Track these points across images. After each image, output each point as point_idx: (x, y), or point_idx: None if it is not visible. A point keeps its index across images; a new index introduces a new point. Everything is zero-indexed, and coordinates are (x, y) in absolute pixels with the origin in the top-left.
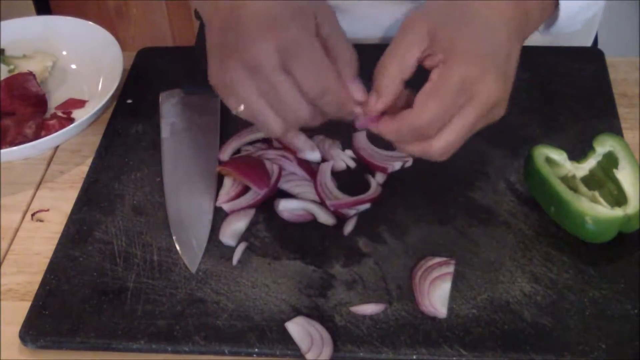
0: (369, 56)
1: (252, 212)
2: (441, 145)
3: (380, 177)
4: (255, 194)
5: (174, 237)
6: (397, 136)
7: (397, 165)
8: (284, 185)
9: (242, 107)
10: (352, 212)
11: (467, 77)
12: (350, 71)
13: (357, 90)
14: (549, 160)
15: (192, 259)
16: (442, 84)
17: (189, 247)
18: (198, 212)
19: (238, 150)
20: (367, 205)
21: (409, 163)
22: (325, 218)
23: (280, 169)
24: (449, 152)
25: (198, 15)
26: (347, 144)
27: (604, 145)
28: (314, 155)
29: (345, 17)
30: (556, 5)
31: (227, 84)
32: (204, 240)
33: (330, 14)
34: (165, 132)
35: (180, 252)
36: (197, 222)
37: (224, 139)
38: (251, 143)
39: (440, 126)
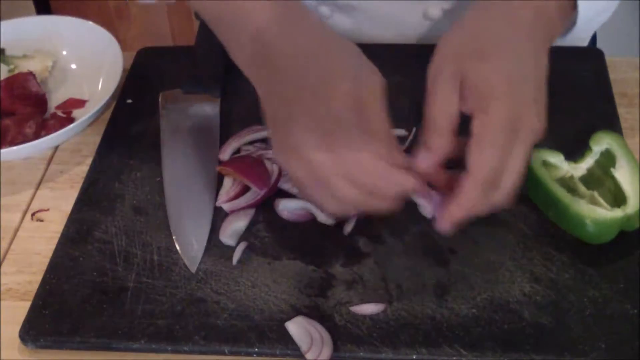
0: (379, 56)
1: (252, 211)
2: (505, 193)
3: None
4: (255, 193)
5: (173, 237)
6: (468, 203)
7: None
8: (284, 185)
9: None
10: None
11: (509, 116)
12: (396, 151)
13: (422, 159)
14: (546, 164)
15: (192, 259)
16: (488, 133)
17: (189, 247)
18: (198, 211)
19: (238, 150)
20: None
21: None
22: (324, 217)
23: (280, 168)
24: (514, 191)
25: (198, 16)
26: None
27: (600, 143)
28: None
29: (358, 15)
30: (573, 7)
31: (289, 164)
32: (203, 240)
33: (377, 90)
34: (164, 132)
35: (180, 252)
36: (197, 221)
37: (224, 139)
38: (251, 143)
39: (502, 171)
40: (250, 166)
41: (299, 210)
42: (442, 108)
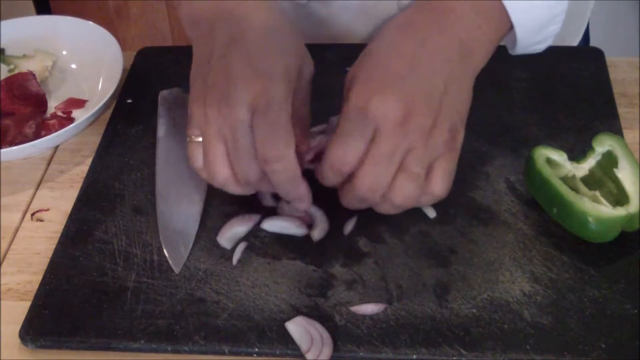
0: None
1: (256, 217)
2: (366, 182)
3: None
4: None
5: (160, 237)
6: (325, 181)
7: None
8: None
9: (199, 138)
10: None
11: (363, 102)
12: (302, 134)
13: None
14: (549, 161)
15: (177, 260)
16: (342, 117)
17: (175, 247)
18: (186, 211)
19: None
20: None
21: None
22: (269, 202)
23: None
24: (402, 194)
25: None
26: None
27: (603, 145)
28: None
29: (333, 4)
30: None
31: (197, 112)
32: (190, 241)
33: (309, 80)
34: (161, 130)
35: (165, 251)
36: (185, 221)
37: None
38: None
39: (354, 162)
40: None
41: (281, 229)
42: (348, 150)
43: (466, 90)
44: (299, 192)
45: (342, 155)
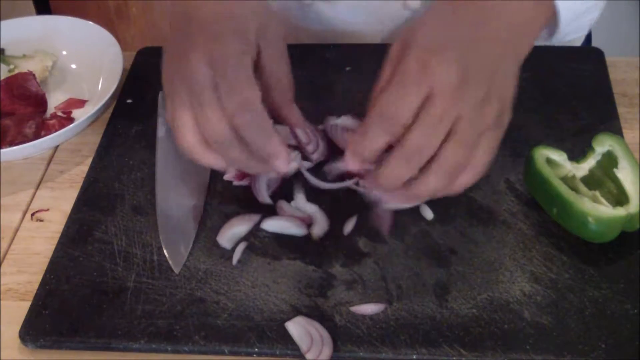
0: (368, 55)
1: (256, 217)
2: (415, 141)
3: None
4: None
5: (160, 237)
6: (371, 147)
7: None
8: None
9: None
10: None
11: (422, 62)
12: (285, 98)
13: (291, 114)
14: (549, 161)
15: (177, 260)
16: (397, 73)
17: (175, 247)
18: (186, 212)
19: None
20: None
21: None
22: (264, 198)
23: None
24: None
25: None
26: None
27: (603, 145)
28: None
29: (339, 4)
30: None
31: (166, 82)
32: (190, 241)
33: (279, 40)
34: (161, 130)
35: (165, 251)
36: (185, 221)
37: None
38: None
39: (405, 119)
40: None
41: (282, 229)
42: (405, 103)
43: (512, 74)
44: (273, 147)
45: (396, 107)
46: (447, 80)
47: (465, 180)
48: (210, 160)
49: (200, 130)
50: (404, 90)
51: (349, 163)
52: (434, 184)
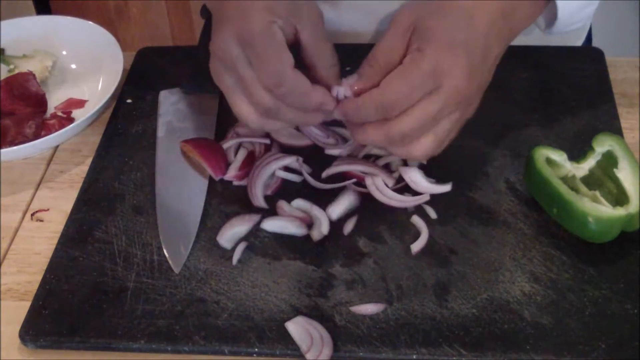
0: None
1: (256, 217)
2: (403, 128)
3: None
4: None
5: (160, 237)
6: (358, 113)
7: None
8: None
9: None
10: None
11: (437, 64)
12: (331, 74)
13: (338, 90)
14: (549, 161)
15: (177, 260)
16: (411, 67)
17: (175, 247)
18: (186, 211)
19: (238, 146)
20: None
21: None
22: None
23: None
24: (423, 148)
25: (203, 14)
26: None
27: (602, 145)
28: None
29: (340, 4)
30: (547, 4)
31: (212, 70)
32: (190, 241)
33: (316, 20)
34: (161, 130)
35: (165, 251)
36: (185, 221)
37: (219, 138)
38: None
39: (404, 108)
40: (211, 150)
41: (282, 229)
42: (384, 47)
43: (497, 60)
44: (317, 100)
45: (399, 101)
46: (455, 83)
47: (425, 145)
48: (271, 126)
49: (253, 105)
50: (410, 88)
51: (335, 114)
52: (405, 125)
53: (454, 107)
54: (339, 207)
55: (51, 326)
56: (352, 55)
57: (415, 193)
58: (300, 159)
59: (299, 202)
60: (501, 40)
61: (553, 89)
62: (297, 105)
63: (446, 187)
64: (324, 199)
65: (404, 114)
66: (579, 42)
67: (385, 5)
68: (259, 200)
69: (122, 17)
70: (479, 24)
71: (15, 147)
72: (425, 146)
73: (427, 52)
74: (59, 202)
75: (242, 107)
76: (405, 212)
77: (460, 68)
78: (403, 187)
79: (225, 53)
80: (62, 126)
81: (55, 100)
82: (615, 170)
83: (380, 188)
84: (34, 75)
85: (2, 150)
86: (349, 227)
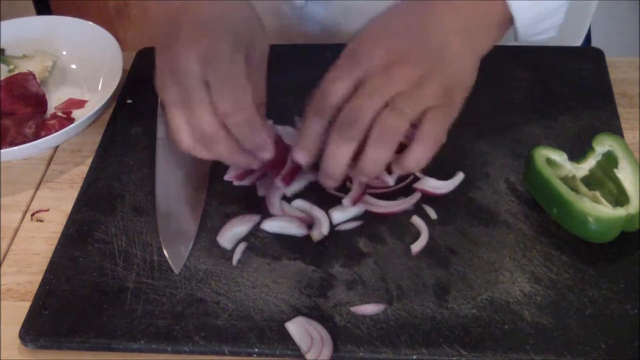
0: None
1: (256, 217)
2: (371, 145)
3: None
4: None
5: (160, 237)
6: (314, 133)
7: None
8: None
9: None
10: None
11: (355, 46)
12: (260, 113)
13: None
14: (549, 161)
15: (177, 260)
16: (369, 80)
17: (175, 247)
18: (186, 211)
19: None
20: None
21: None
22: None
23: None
24: (413, 157)
25: None
26: None
27: (603, 145)
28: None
29: (331, 5)
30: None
31: (158, 81)
32: (190, 241)
33: (263, 49)
34: (160, 131)
35: (165, 251)
36: (185, 221)
37: None
38: None
39: (340, 100)
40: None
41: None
42: (333, 86)
43: (469, 64)
44: (261, 140)
45: (333, 87)
46: (376, 61)
47: (416, 154)
48: (199, 153)
49: (191, 125)
50: (332, 76)
51: (297, 156)
52: (374, 154)
53: (391, 85)
54: (344, 214)
55: (51, 326)
56: None
57: (409, 194)
58: None
59: (299, 202)
60: (457, 30)
61: (553, 89)
62: (241, 138)
63: (459, 177)
64: (325, 200)
65: (347, 103)
66: (578, 42)
67: (377, 5)
68: (276, 209)
69: (122, 17)
70: (407, 17)
71: (15, 147)
72: (416, 155)
73: (347, 45)
74: (59, 202)
75: (179, 125)
76: (406, 213)
77: (373, 48)
78: (405, 187)
79: (181, 68)
80: (62, 126)
81: (55, 100)
82: (615, 170)
83: (374, 202)
84: (34, 75)
85: (2, 150)
86: (349, 226)
